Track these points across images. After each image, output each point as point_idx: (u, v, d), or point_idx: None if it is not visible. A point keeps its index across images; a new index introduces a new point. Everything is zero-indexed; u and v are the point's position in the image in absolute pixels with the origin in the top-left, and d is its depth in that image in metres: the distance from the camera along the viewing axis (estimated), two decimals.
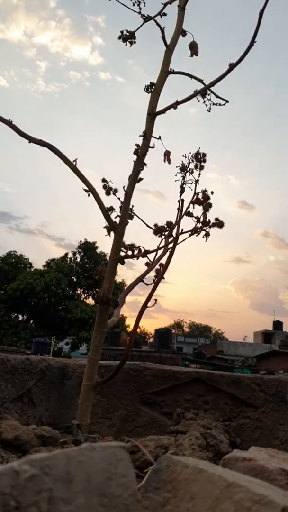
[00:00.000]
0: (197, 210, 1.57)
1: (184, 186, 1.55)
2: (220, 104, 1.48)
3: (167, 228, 1.55)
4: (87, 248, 32.44)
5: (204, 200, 1.54)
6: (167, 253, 1.50)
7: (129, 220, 1.46)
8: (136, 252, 1.47)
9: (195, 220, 1.56)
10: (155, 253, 1.52)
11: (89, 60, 74.50)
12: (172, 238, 1.53)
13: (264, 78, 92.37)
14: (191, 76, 1.47)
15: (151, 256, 1.52)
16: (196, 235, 1.55)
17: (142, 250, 1.48)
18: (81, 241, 33.26)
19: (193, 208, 1.56)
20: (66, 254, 33.47)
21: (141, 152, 1.41)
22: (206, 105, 1.47)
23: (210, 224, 1.55)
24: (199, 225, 1.55)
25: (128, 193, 1.40)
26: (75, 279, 31.95)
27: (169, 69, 1.47)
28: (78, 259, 32.83)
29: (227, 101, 1.48)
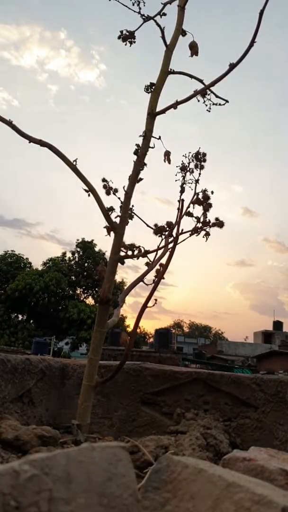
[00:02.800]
0: (198, 211, 1.57)
1: (184, 186, 1.55)
2: (220, 104, 1.48)
3: (167, 228, 1.55)
4: (85, 246, 32.33)
5: (204, 200, 1.54)
6: (167, 253, 1.50)
7: (130, 220, 1.46)
8: (136, 252, 1.47)
9: (195, 220, 1.56)
10: (155, 253, 1.52)
11: (95, 85, 78.68)
12: (172, 238, 1.53)
13: (266, 83, 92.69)
14: (191, 76, 1.47)
15: (151, 256, 1.52)
16: (196, 235, 1.55)
17: (142, 250, 1.48)
18: (78, 240, 33.14)
19: (193, 208, 1.56)
20: (64, 253, 33.34)
21: (141, 152, 1.41)
22: (206, 105, 1.47)
23: (210, 224, 1.55)
24: (199, 225, 1.55)
25: (128, 193, 1.40)
26: (74, 278, 31.87)
27: (169, 69, 1.47)
28: (77, 258, 32.71)
29: (227, 101, 1.48)
